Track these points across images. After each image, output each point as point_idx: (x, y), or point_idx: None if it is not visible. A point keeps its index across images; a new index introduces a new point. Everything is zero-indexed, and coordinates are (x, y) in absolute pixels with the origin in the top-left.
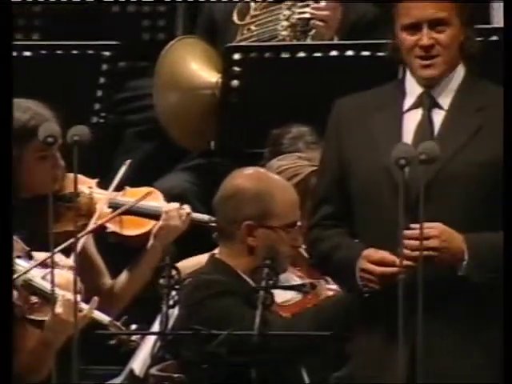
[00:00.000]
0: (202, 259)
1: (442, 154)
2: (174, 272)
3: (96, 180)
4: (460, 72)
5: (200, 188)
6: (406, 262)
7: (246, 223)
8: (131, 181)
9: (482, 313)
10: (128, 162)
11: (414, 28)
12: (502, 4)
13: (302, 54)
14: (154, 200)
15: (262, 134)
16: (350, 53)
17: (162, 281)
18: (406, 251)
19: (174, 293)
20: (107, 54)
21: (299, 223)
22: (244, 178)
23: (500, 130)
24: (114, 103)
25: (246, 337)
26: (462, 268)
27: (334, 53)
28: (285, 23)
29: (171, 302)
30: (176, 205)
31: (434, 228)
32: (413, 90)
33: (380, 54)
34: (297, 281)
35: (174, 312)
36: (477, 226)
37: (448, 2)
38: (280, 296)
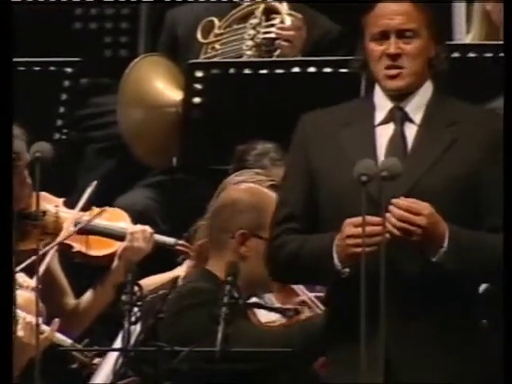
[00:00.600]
0: (164, 277)
1: (417, 169)
2: (136, 289)
3: (63, 199)
4: (428, 88)
5: (162, 205)
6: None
7: (240, 231)
8: (93, 197)
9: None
10: (94, 183)
11: (382, 37)
12: (463, 4)
13: (264, 71)
14: (120, 221)
15: (225, 151)
16: (312, 69)
17: (123, 297)
18: (391, 219)
19: (135, 309)
20: (69, 70)
21: None
22: (240, 190)
23: (473, 144)
24: (76, 120)
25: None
26: (438, 254)
27: (296, 69)
28: (250, 43)
29: (133, 319)
30: (141, 226)
31: (425, 208)
32: (383, 104)
33: (342, 70)
34: (280, 305)
35: (136, 328)
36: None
37: (416, 12)
38: (264, 316)
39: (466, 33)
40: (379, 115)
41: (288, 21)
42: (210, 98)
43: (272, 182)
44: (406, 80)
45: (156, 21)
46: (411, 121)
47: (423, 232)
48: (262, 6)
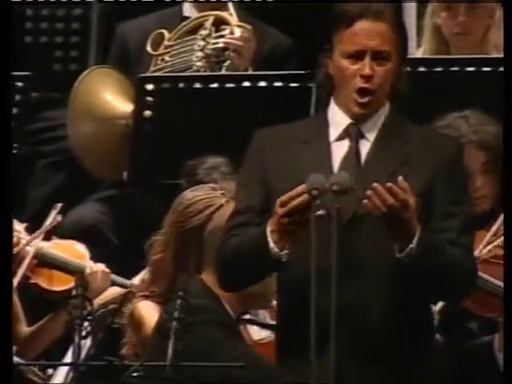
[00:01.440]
0: (114, 291)
1: (370, 184)
2: (86, 303)
3: (25, 225)
4: (386, 108)
5: (112, 219)
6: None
7: None
8: (43, 212)
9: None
10: (59, 205)
11: (357, 57)
12: (414, 18)
13: (214, 85)
14: (80, 258)
15: (176, 165)
16: (262, 83)
17: (73, 312)
18: (379, 193)
19: (86, 324)
20: (19, 84)
21: None
22: None
23: (425, 164)
24: (26, 134)
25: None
26: (405, 251)
27: (246, 83)
28: (199, 54)
29: (83, 333)
30: (101, 266)
31: (412, 197)
32: (339, 121)
33: (293, 84)
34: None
35: (87, 343)
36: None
37: (392, 34)
38: (256, 333)
39: (416, 47)
40: (334, 132)
41: (238, 32)
42: (161, 111)
43: (227, 198)
44: (373, 107)
45: (106, 35)
46: (366, 138)
47: (408, 210)
48: (211, 18)
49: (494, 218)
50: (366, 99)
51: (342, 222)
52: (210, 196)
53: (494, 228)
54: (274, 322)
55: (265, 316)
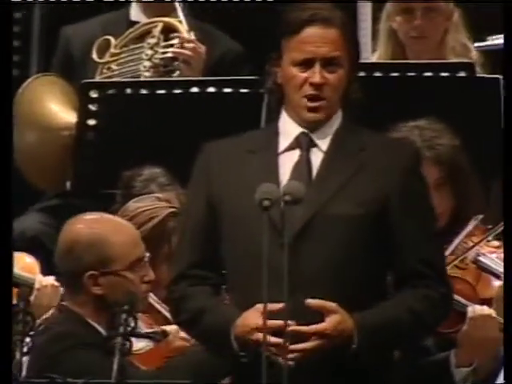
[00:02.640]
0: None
1: (322, 194)
2: (28, 318)
3: None
4: (338, 116)
5: (55, 229)
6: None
7: (88, 274)
8: None
9: None
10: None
11: (306, 64)
12: (369, 22)
13: (161, 91)
14: (29, 271)
15: (119, 175)
16: (211, 89)
17: (15, 327)
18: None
19: (27, 339)
20: None
21: (147, 256)
22: (76, 228)
23: (382, 169)
24: None
25: None
26: (350, 351)
27: (195, 89)
28: (147, 63)
29: (25, 349)
30: (49, 281)
31: (331, 310)
32: (289, 130)
33: (243, 90)
34: (146, 329)
35: (29, 359)
36: (358, 265)
37: (342, 40)
38: (133, 344)
39: (371, 51)
40: (284, 142)
41: (187, 42)
42: (106, 119)
43: (173, 210)
44: (324, 112)
45: (48, 39)
46: (317, 147)
47: (330, 340)
48: (160, 25)
49: (449, 236)
50: (316, 104)
51: (291, 235)
52: (154, 207)
53: (451, 247)
54: (151, 330)
55: (140, 326)
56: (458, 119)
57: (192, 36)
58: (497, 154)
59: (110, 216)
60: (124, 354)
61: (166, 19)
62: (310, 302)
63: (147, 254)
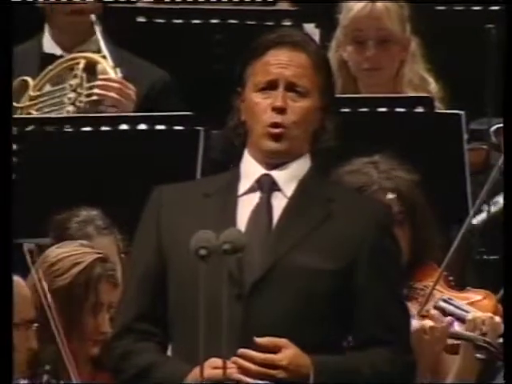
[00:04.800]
0: None
1: (283, 243)
2: None
3: None
4: (306, 162)
5: None
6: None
7: None
8: None
9: None
10: None
11: (270, 89)
12: (317, 31)
13: (87, 128)
14: None
15: (43, 218)
16: (143, 126)
17: None
18: (250, 367)
19: None
20: None
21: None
22: None
23: (349, 222)
24: None
25: None
26: None
27: (124, 126)
28: (70, 108)
29: None
30: None
31: (284, 345)
32: (251, 171)
33: (178, 127)
34: None
35: None
36: (315, 319)
37: (310, 67)
38: None
39: None
40: (245, 184)
41: (113, 82)
42: (27, 158)
43: (98, 255)
44: (286, 143)
45: None
46: (281, 191)
47: (285, 373)
48: (82, 62)
49: (409, 276)
50: (277, 130)
51: (245, 285)
52: (79, 252)
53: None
54: None
55: None
56: (416, 157)
57: (119, 73)
58: (459, 195)
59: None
60: None
61: (89, 55)
62: (259, 340)
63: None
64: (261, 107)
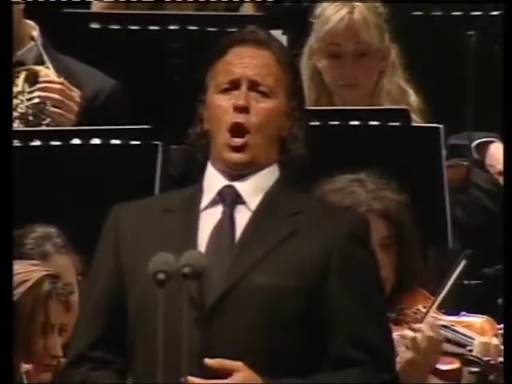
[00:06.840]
0: None
1: (245, 260)
2: None
3: None
4: (273, 173)
5: None
6: None
7: None
8: None
9: None
10: None
11: (232, 89)
12: (284, 37)
13: (37, 143)
14: None
15: None
16: (96, 141)
17: None
18: None
19: None
20: None
21: None
22: None
23: (318, 234)
24: None
25: None
26: None
27: (76, 141)
28: (14, 114)
29: None
30: None
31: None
32: (214, 184)
33: (134, 142)
34: None
35: None
36: (278, 340)
37: (275, 65)
38: None
39: None
40: (207, 197)
41: (53, 82)
42: None
43: (47, 272)
44: (250, 153)
45: None
46: (245, 204)
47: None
48: (23, 74)
49: (393, 303)
50: (239, 141)
51: (205, 308)
52: (27, 270)
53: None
54: None
55: None
56: (396, 174)
57: (62, 79)
58: (437, 214)
59: None
60: None
61: (31, 67)
62: (209, 362)
63: None
64: (223, 109)
